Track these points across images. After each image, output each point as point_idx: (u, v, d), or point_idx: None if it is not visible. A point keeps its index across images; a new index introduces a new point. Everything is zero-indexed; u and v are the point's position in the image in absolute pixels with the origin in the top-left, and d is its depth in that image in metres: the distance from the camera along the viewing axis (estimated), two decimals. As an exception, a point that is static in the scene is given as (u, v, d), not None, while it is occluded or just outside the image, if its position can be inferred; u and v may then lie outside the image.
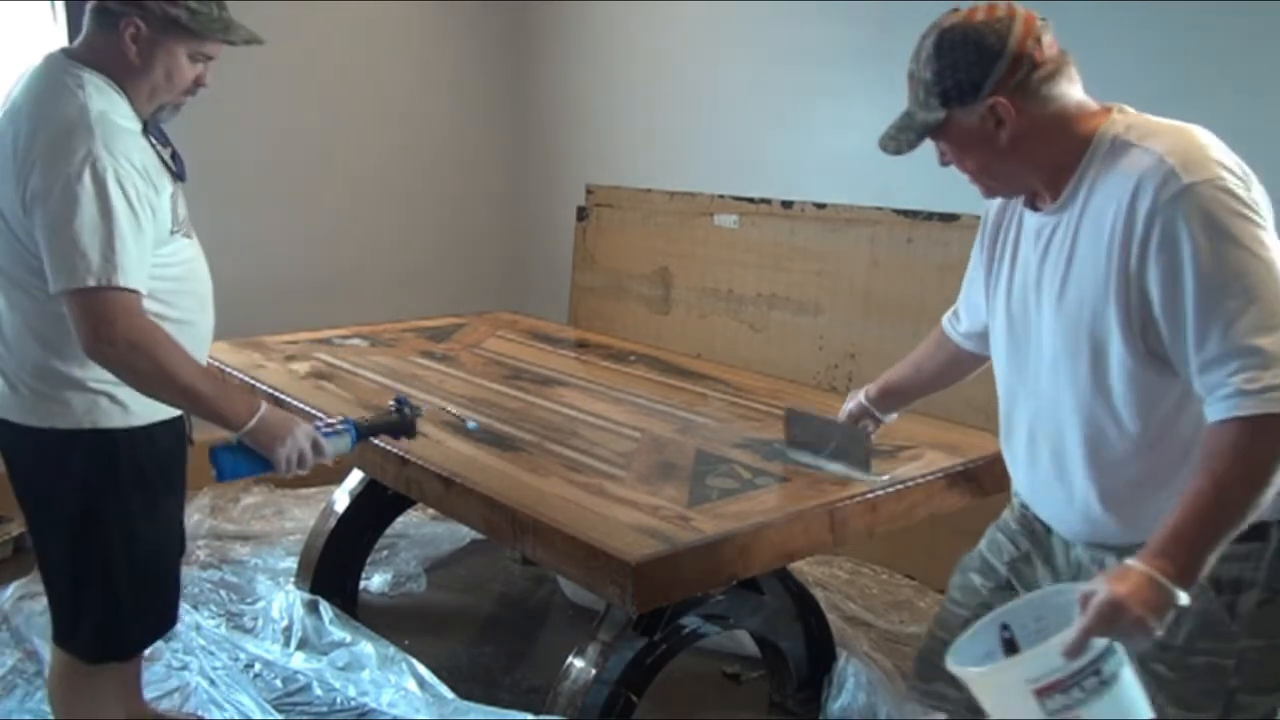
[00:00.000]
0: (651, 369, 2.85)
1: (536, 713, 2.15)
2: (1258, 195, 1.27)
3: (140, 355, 1.63)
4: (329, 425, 1.87)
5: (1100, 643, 1.22)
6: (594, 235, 4.27)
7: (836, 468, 2.01)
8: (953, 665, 1.29)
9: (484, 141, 4.61)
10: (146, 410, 1.80)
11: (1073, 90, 1.38)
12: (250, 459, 1.76)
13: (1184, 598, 1.21)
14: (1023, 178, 1.43)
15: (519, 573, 3.35)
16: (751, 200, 3.67)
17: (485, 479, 1.94)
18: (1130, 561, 1.23)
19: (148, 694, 2.34)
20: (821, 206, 3.47)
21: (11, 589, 2.86)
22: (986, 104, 1.35)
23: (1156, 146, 1.29)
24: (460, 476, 1.96)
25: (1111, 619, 1.20)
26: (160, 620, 1.98)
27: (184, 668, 2.54)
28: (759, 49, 3.69)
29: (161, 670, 2.52)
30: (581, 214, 4.31)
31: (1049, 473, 1.49)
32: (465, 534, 3.44)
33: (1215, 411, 1.23)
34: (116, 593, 1.86)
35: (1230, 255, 1.21)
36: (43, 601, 2.73)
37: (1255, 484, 1.21)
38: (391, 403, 1.99)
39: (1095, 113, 1.39)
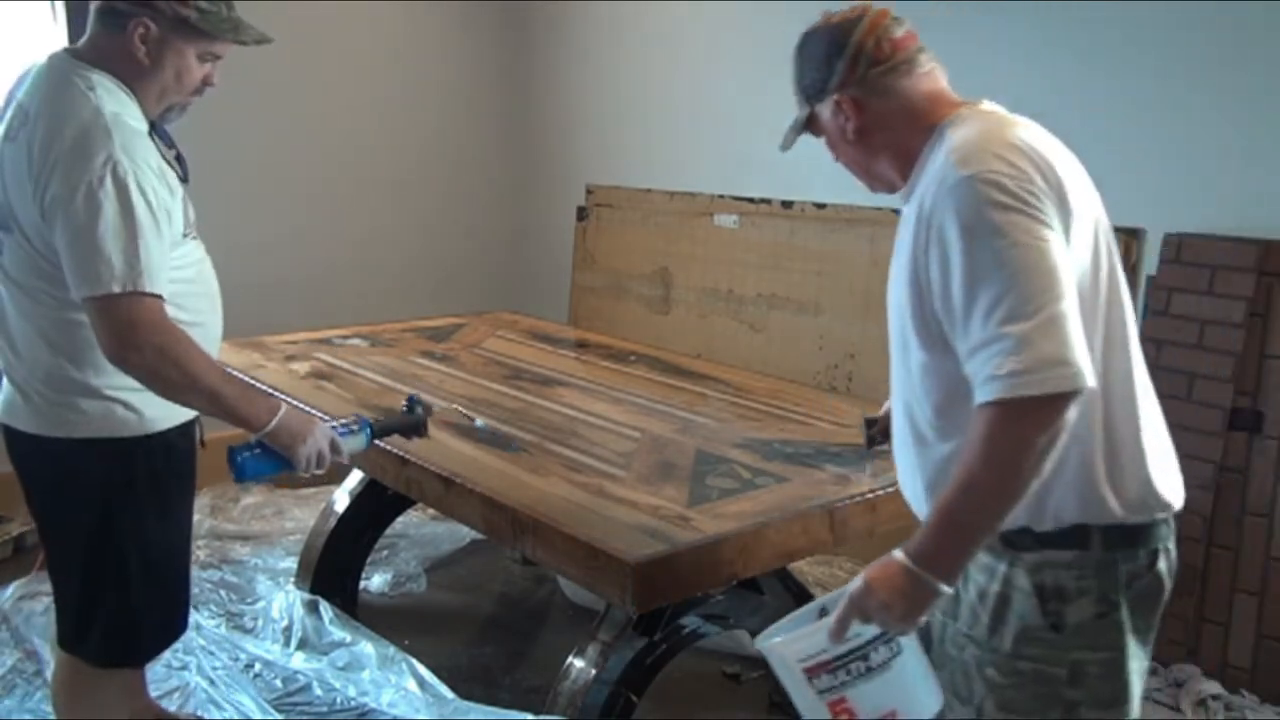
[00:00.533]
0: (651, 369, 2.85)
1: (536, 713, 2.15)
2: (1041, 189, 1.23)
3: (166, 360, 1.61)
4: (345, 424, 1.86)
5: (869, 630, 1.25)
6: (594, 235, 4.27)
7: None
8: (756, 642, 1.35)
9: (484, 142, 4.61)
10: (161, 416, 1.78)
11: (921, 84, 1.39)
12: (270, 459, 1.75)
13: (941, 587, 1.21)
14: (879, 170, 1.45)
15: (519, 573, 3.36)
16: (751, 200, 3.67)
17: (485, 479, 1.94)
18: (895, 550, 1.25)
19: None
20: (821, 206, 3.47)
21: (11, 589, 2.86)
22: (833, 99, 1.40)
23: (954, 139, 1.30)
24: (460, 476, 1.96)
25: (861, 603, 1.23)
26: (173, 625, 1.95)
27: (184, 668, 2.54)
28: (759, 49, 3.68)
29: (161, 670, 2.51)
30: (581, 214, 4.30)
31: (901, 451, 1.47)
32: (465, 534, 3.45)
33: (975, 399, 1.22)
34: (130, 598, 1.83)
35: (990, 246, 1.20)
36: (43, 601, 2.75)
37: (1001, 470, 1.18)
38: (404, 403, 1.99)
39: (948, 105, 1.39)
